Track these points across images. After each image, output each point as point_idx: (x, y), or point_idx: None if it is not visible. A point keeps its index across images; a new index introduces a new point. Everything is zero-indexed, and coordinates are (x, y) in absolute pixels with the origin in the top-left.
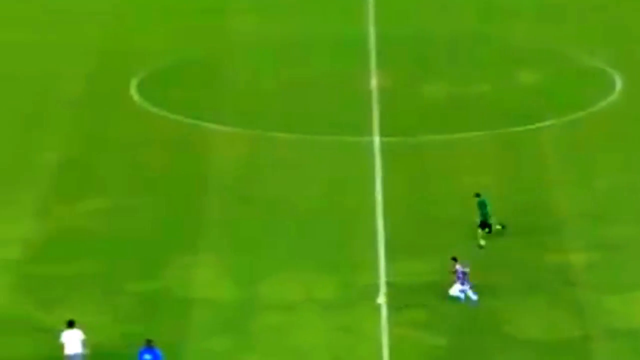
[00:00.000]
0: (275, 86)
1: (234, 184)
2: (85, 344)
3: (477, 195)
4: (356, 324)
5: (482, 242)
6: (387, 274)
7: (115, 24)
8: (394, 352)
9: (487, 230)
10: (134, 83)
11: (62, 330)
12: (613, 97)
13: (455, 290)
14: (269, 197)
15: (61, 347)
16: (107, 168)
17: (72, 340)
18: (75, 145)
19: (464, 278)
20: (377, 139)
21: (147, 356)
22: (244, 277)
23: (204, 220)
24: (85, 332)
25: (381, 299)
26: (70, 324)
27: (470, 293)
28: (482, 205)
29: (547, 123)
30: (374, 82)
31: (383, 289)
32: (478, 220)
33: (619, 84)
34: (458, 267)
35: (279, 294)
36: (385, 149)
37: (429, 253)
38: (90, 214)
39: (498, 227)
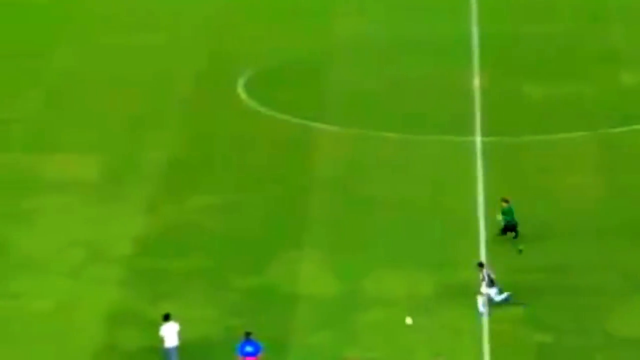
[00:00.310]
0: (379, 86)
1: (338, 182)
2: (180, 335)
3: (505, 200)
4: (457, 321)
5: (521, 247)
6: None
7: (224, 25)
8: (495, 349)
9: (513, 234)
10: (241, 83)
11: (162, 324)
12: None
13: (492, 292)
14: (373, 196)
15: (161, 340)
16: (216, 165)
17: (170, 333)
18: (184, 143)
19: (490, 283)
20: (478, 139)
21: (248, 348)
22: (347, 274)
23: (309, 218)
24: (192, 326)
25: (409, 320)
26: (167, 317)
27: (494, 295)
28: (510, 211)
29: None
30: (476, 82)
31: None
32: (502, 225)
33: None
34: (485, 271)
35: (381, 290)
36: (486, 149)
37: (529, 252)
38: (199, 211)
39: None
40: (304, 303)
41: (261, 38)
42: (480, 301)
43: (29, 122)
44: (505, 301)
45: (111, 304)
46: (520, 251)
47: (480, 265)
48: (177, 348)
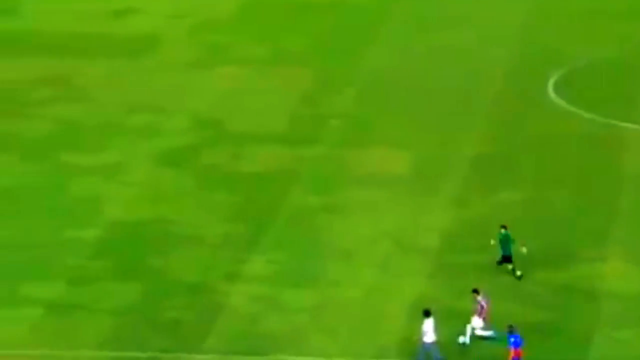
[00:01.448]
0: None
1: None
2: (436, 331)
3: (504, 227)
4: None
5: (519, 273)
6: None
7: (534, 24)
8: None
9: (510, 265)
10: (551, 82)
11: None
12: None
13: (477, 324)
14: None
15: (422, 334)
16: (523, 162)
17: (430, 329)
18: (492, 140)
19: (481, 311)
20: None
21: (517, 340)
22: None
23: (614, 215)
24: (495, 320)
25: (462, 339)
26: (427, 314)
27: (478, 327)
28: (506, 239)
29: None
30: None
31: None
32: (500, 254)
33: None
34: (479, 298)
35: None
36: None
37: None
38: (505, 206)
39: (518, 273)
40: (608, 299)
41: (571, 38)
42: (468, 330)
43: (344, 117)
44: (488, 338)
45: (417, 295)
46: (517, 274)
47: (475, 292)
48: (435, 343)
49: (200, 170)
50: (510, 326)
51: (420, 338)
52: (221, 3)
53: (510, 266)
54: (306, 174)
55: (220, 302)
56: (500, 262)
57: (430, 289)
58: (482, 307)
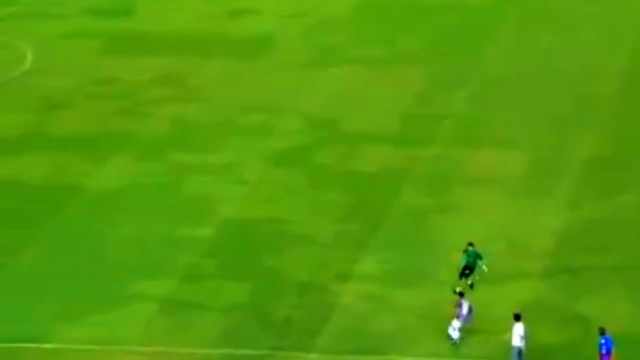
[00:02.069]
0: None
1: None
2: (525, 337)
3: (470, 244)
4: None
5: (458, 289)
6: None
7: None
8: None
9: (469, 281)
10: None
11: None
12: None
13: (455, 325)
14: None
15: (516, 339)
16: (638, 164)
17: (520, 333)
18: (608, 141)
19: (465, 313)
20: None
21: (607, 342)
22: None
23: None
24: (609, 323)
25: (508, 336)
26: (518, 317)
27: (453, 327)
28: (471, 256)
29: None
30: None
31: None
32: (461, 268)
33: None
34: (462, 301)
35: None
36: None
37: None
38: (621, 208)
39: (458, 289)
40: None
41: None
42: (453, 328)
43: (458, 118)
44: (451, 339)
45: (528, 297)
46: (455, 291)
47: (461, 294)
48: (519, 348)
49: (313, 170)
50: (601, 328)
51: (509, 341)
52: (336, 3)
53: (465, 277)
54: (418, 173)
55: (331, 301)
56: (462, 272)
57: (543, 290)
58: (461, 308)
